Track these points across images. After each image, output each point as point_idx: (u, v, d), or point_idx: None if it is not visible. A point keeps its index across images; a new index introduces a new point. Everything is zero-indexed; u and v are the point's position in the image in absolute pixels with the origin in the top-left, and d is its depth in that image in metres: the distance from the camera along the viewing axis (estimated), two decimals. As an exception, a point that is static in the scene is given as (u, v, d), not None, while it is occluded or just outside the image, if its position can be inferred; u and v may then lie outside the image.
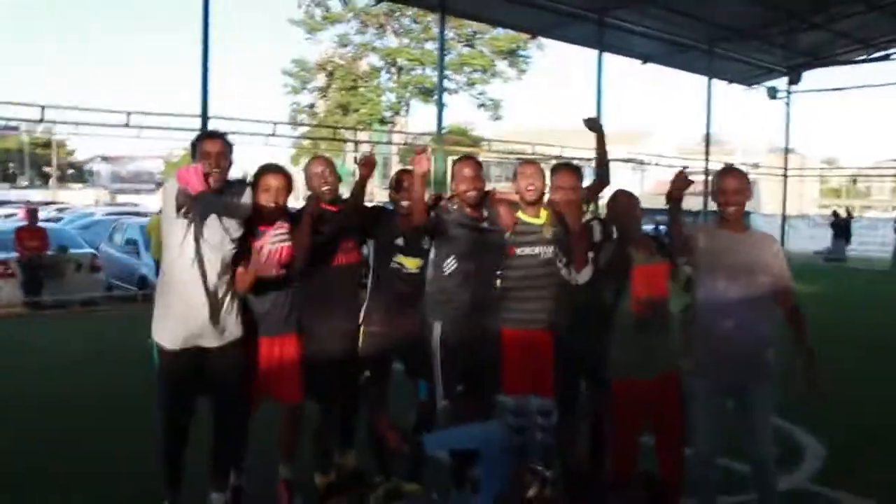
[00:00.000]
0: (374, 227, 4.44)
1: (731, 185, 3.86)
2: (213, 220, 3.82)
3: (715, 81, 21.91)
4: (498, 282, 4.43)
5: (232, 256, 3.93)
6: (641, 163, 28.62)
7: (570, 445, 4.44)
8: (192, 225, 3.77)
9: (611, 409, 4.12)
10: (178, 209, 3.71)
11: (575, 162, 5.47)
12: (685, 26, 17.98)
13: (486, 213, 4.41)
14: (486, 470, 3.94)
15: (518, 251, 4.36)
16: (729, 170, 4.04)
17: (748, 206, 4.08)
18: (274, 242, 4.03)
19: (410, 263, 4.40)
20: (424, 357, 4.34)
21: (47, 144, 67.84)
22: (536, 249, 4.34)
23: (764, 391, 3.82)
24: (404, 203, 4.37)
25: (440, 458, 4.48)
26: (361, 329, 4.41)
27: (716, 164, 24.05)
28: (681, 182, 3.80)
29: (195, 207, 3.72)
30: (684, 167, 3.88)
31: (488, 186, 4.60)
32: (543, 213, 4.38)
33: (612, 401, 4.08)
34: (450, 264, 4.34)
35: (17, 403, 6.58)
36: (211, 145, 3.88)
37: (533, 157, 22.36)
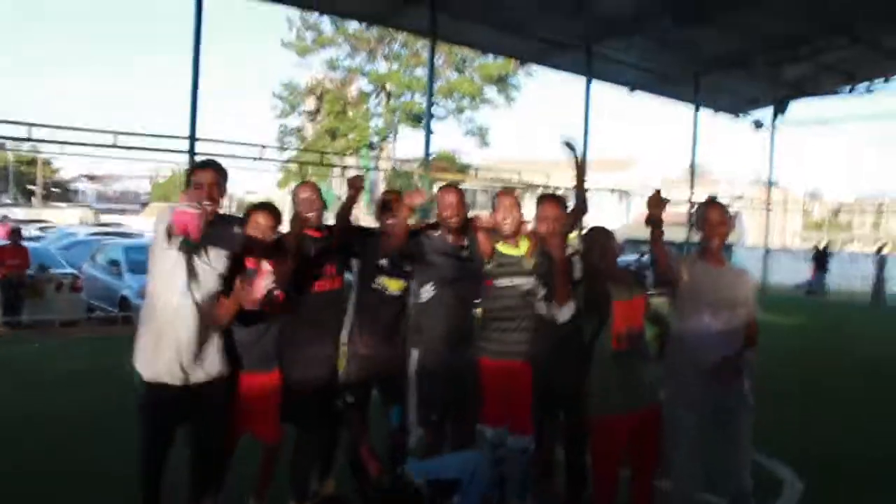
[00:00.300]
0: (359, 246, 4.41)
1: (715, 217, 3.91)
2: (201, 253, 3.76)
3: (701, 111, 22.07)
4: (477, 311, 4.42)
5: (218, 290, 3.85)
6: (626, 192, 28.75)
7: (545, 474, 4.45)
8: (182, 257, 3.70)
9: (590, 445, 4.07)
10: (169, 239, 3.64)
11: (560, 192, 5.47)
12: (672, 56, 18.12)
13: (467, 242, 4.41)
14: (465, 500, 3.86)
15: (496, 283, 4.35)
16: (713, 202, 4.07)
17: (731, 239, 4.12)
18: (272, 284, 3.96)
19: (393, 286, 4.37)
20: (402, 383, 4.34)
21: (32, 162, 67.61)
22: (515, 281, 4.34)
23: (744, 423, 3.83)
24: (389, 222, 4.35)
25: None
26: (343, 351, 4.36)
27: (700, 196, 24.23)
28: (655, 202, 3.77)
29: (183, 245, 3.66)
30: (658, 191, 3.85)
31: (473, 213, 4.59)
32: (523, 244, 4.39)
33: (592, 436, 4.03)
34: (427, 290, 4.35)
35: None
36: (204, 175, 3.80)
37: (519, 185, 22.43)
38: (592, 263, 4.05)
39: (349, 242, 4.37)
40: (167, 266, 3.70)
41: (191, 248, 3.67)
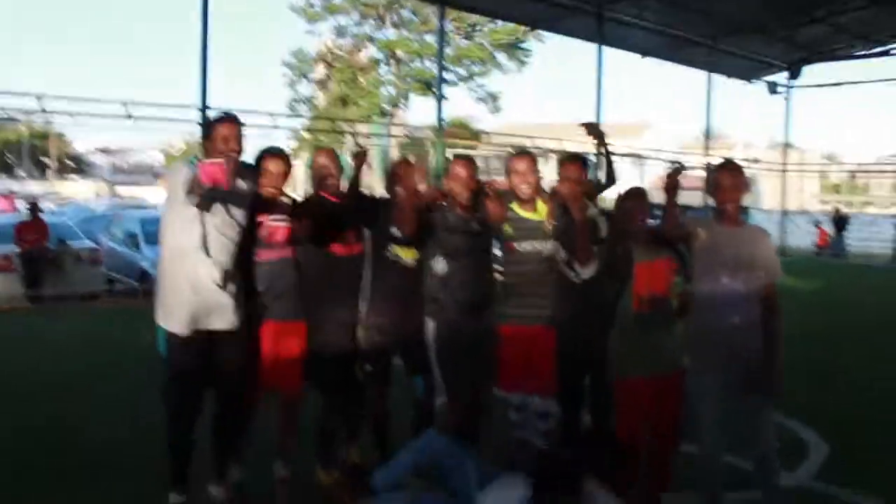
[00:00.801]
0: (371, 216, 4.39)
1: (728, 181, 3.86)
2: (219, 205, 3.84)
3: (714, 76, 21.88)
4: (499, 277, 4.40)
5: (238, 241, 3.95)
6: (640, 157, 28.56)
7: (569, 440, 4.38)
8: (200, 209, 3.77)
9: (614, 409, 4.10)
10: (189, 194, 3.68)
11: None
12: (685, 20, 17.93)
13: (477, 212, 4.35)
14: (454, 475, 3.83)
15: (517, 247, 4.30)
16: (726, 165, 4.01)
17: (747, 202, 4.08)
18: (274, 221, 4.13)
19: (407, 255, 4.34)
20: (424, 353, 4.31)
21: (45, 136, 67.75)
22: (536, 245, 4.29)
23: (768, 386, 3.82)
24: (398, 190, 4.30)
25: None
26: (361, 320, 4.39)
27: (715, 159, 24.05)
28: (674, 176, 3.86)
29: (206, 196, 3.72)
30: (677, 162, 3.86)
31: (487, 179, 4.58)
32: (541, 208, 4.31)
33: (616, 400, 4.06)
34: (439, 263, 4.30)
35: (20, 392, 6.64)
36: (228, 129, 3.89)
37: (533, 149, 22.28)
38: (618, 223, 4.07)
39: (361, 213, 4.39)
40: (185, 220, 3.78)
41: (208, 202, 3.75)
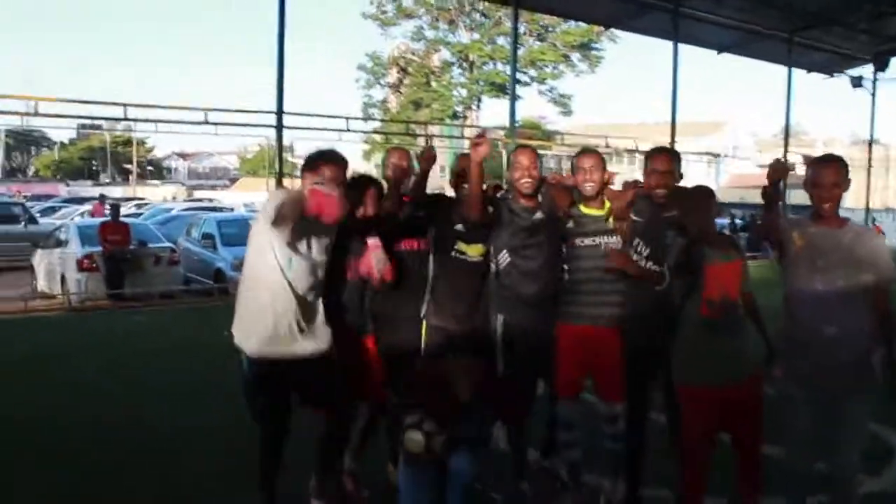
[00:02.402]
0: (435, 215, 4.32)
1: (829, 177, 3.52)
2: (307, 234, 3.76)
3: (794, 71, 21.23)
4: (565, 275, 4.28)
5: (324, 265, 3.88)
6: (716, 155, 28.00)
7: (638, 458, 4.27)
8: (288, 233, 3.69)
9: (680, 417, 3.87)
10: (277, 221, 3.55)
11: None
12: (763, 14, 17.41)
13: (541, 202, 4.25)
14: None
15: (577, 242, 4.20)
16: (826, 160, 3.66)
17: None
18: (380, 261, 4.02)
19: (473, 251, 4.24)
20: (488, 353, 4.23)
21: (128, 142, 70.07)
22: (597, 240, 4.18)
23: (864, 399, 3.55)
24: (466, 187, 4.20)
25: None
26: (424, 323, 4.28)
27: (795, 157, 23.36)
28: (779, 169, 3.58)
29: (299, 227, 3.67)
30: (778, 159, 3.62)
31: (553, 173, 4.51)
32: (606, 205, 4.21)
33: (681, 408, 3.84)
34: (503, 258, 4.22)
35: (104, 389, 6.83)
36: (332, 171, 3.74)
37: (605, 150, 22.05)
38: (686, 223, 3.85)
39: (427, 214, 4.33)
40: (273, 242, 3.66)
41: (299, 234, 3.69)
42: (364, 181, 4.30)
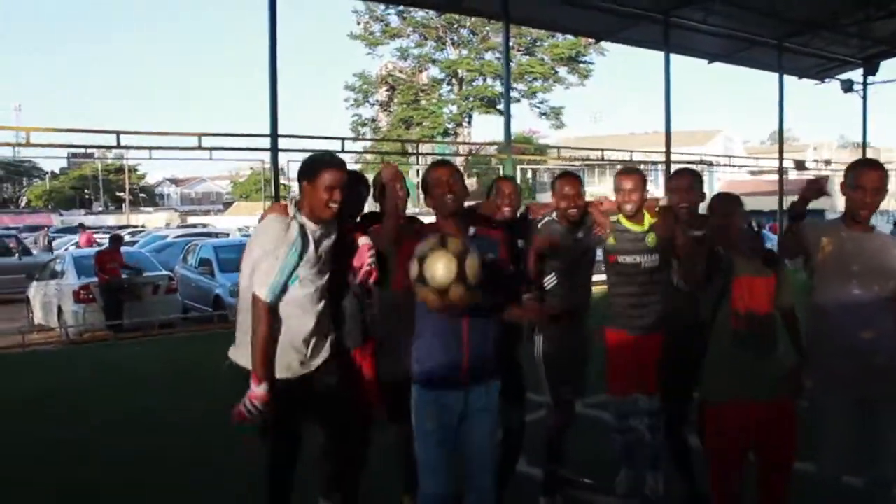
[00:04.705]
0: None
1: (874, 181, 3.42)
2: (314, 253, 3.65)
3: (785, 78, 21.24)
4: (604, 288, 4.52)
5: (328, 285, 3.77)
6: (710, 164, 27.99)
7: (682, 459, 4.34)
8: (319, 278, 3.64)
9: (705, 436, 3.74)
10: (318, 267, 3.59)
11: (641, 166, 5.25)
12: (753, 22, 17.47)
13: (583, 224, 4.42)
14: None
15: (620, 259, 4.38)
16: (870, 164, 3.56)
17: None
18: (370, 263, 3.93)
19: None
20: (517, 377, 4.26)
21: (119, 170, 70.07)
22: (637, 258, 4.34)
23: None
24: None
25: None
26: None
27: (787, 163, 23.35)
28: (818, 189, 3.55)
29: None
30: (818, 179, 3.56)
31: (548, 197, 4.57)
32: (648, 220, 4.36)
33: (706, 426, 3.68)
34: (550, 280, 4.32)
35: (108, 422, 6.72)
36: (333, 177, 3.56)
37: (601, 162, 22.03)
38: (717, 230, 3.73)
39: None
40: (282, 272, 3.53)
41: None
42: (354, 178, 4.09)
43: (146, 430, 6.49)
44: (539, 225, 4.39)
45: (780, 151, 21.62)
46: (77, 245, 22.46)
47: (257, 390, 3.46)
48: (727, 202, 3.74)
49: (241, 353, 3.66)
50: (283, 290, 3.53)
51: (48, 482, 5.24)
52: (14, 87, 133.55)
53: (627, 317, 4.38)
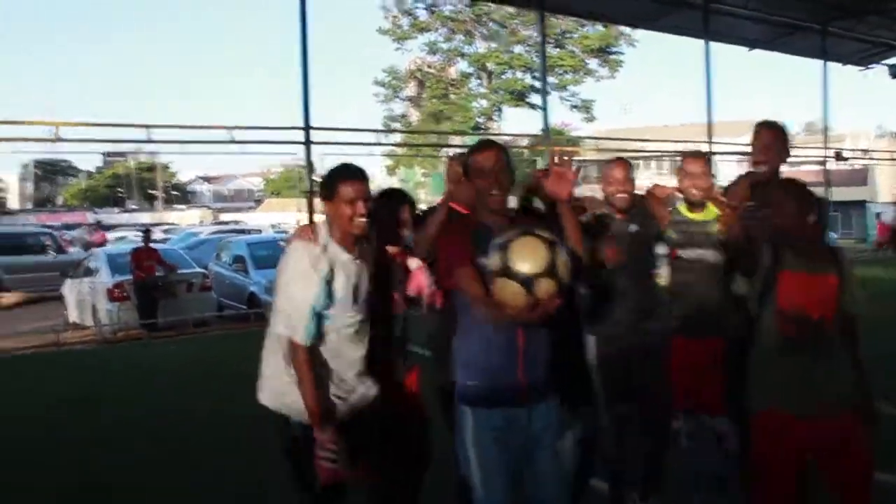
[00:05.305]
0: None
1: None
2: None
3: (816, 63, 20.59)
4: (664, 285, 3.99)
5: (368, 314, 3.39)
6: (747, 156, 27.45)
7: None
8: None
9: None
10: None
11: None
12: (795, 6, 16.97)
13: (634, 213, 3.98)
14: None
15: (682, 254, 3.93)
16: None
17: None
18: (431, 284, 3.54)
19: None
20: (581, 381, 3.84)
21: (152, 168, 70.67)
22: (699, 252, 3.89)
23: None
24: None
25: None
26: None
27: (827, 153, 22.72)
28: None
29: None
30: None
31: (587, 190, 4.17)
32: (711, 210, 3.90)
33: (752, 438, 3.30)
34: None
35: (143, 423, 6.55)
36: (354, 189, 3.20)
37: (639, 154, 21.56)
38: (767, 218, 3.29)
39: None
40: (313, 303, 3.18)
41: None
42: (398, 195, 3.85)
43: (186, 433, 6.27)
44: (584, 219, 4.01)
45: (825, 141, 21.01)
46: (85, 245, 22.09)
47: (323, 436, 3.12)
48: (802, 193, 3.27)
49: (269, 396, 3.32)
50: (320, 328, 3.17)
51: (69, 484, 5.15)
52: (46, 89, 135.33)
53: (691, 318, 3.90)
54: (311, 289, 3.12)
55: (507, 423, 2.93)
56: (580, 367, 3.86)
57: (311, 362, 3.13)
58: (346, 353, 3.28)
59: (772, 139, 3.89)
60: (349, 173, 3.27)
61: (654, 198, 4.03)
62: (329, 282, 3.16)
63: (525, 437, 2.95)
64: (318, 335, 3.16)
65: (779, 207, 3.23)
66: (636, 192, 3.99)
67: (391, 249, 3.59)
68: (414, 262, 3.61)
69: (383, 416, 3.43)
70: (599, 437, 3.92)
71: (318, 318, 3.15)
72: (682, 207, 3.99)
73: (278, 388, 3.25)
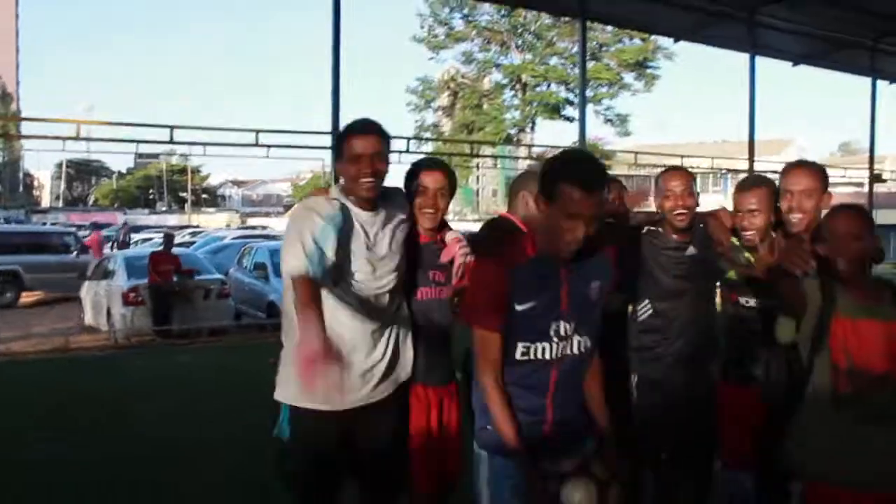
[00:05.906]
0: None
1: None
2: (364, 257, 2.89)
3: (842, 81, 19.85)
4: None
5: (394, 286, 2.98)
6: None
7: None
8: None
9: None
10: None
11: (719, 175, 4.16)
12: (845, 20, 16.31)
13: (693, 235, 3.39)
14: None
15: (742, 300, 3.33)
16: None
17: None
18: (464, 254, 3.05)
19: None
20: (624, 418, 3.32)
21: (183, 171, 71.14)
22: (752, 301, 3.29)
23: None
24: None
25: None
26: None
27: (859, 175, 21.92)
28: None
29: None
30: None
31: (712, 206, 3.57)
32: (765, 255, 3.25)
33: None
34: (644, 309, 3.40)
35: (152, 438, 6.13)
36: (362, 144, 2.82)
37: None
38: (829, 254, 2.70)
39: None
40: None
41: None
42: (419, 167, 3.27)
43: (192, 449, 5.84)
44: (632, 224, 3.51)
45: (871, 162, 20.22)
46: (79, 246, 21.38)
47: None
48: (861, 220, 2.70)
49: (285, 393, 2.95)
50: (324, 267, 2.70)
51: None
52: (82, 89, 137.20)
53: (742, 365, 3.35)
54: (314, 221, 2.72)
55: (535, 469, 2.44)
56: (622, 398, 3.33)
57: (317, 299, 2.60)
58: (355, 327, 2.89)
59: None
60: (359, 127, 2.88)
61: (718, 222, 3.38)
62: (336, 221, 2.76)
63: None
64: (321, 270, 2.68)
65: (840, 241, 2.66)
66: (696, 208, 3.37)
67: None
68: (451, 234, 3.17)
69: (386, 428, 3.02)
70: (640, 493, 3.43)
71: (322, 252, 2.69)
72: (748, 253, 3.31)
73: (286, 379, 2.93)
